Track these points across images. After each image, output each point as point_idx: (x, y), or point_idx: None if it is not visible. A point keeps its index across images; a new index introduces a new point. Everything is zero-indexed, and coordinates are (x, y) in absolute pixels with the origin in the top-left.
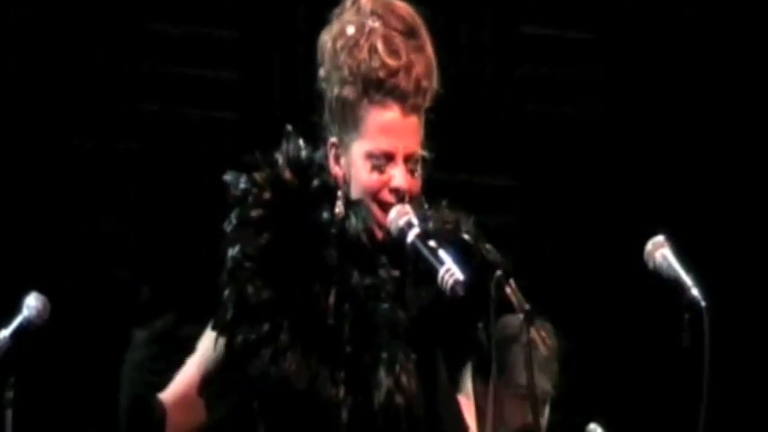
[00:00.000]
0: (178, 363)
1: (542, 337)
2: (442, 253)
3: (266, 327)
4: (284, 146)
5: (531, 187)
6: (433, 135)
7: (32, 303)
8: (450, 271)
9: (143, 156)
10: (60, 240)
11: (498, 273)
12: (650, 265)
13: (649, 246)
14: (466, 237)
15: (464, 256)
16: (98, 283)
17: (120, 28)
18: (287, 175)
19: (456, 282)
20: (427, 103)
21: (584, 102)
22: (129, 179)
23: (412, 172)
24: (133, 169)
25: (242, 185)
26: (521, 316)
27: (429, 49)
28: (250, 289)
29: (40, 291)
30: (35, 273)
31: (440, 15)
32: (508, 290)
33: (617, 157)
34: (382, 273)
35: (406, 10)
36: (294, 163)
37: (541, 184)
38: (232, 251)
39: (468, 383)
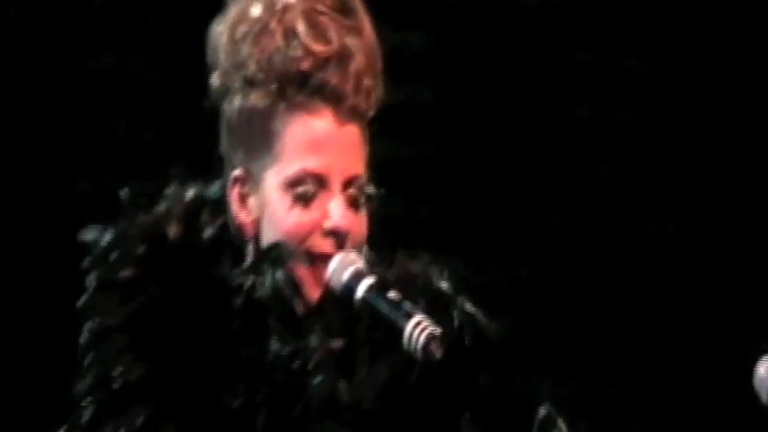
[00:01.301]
0: None
1: None
2: (407, 305)
3: (140, 419)
4: (167, 189)
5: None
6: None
7: None
8: (420, 324)
9: None
10: None
11: (543, 410)
12: (764, 396)
13: (762, 369)
14: (443, 286)
15: (441, 312)
16: None
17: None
18: (168, 224)
19: (430, 337)
20: (372, 110)
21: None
22: None
23: (355, 204)
24: None
25: (105, 240)
26: None
27: (370, 32)
28: (117, 370)
29: None
30: None
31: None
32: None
33: (715, 257)
34: (313, 339)
35: None
36: (177, 207)
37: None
38: (91, 324)
39: None
